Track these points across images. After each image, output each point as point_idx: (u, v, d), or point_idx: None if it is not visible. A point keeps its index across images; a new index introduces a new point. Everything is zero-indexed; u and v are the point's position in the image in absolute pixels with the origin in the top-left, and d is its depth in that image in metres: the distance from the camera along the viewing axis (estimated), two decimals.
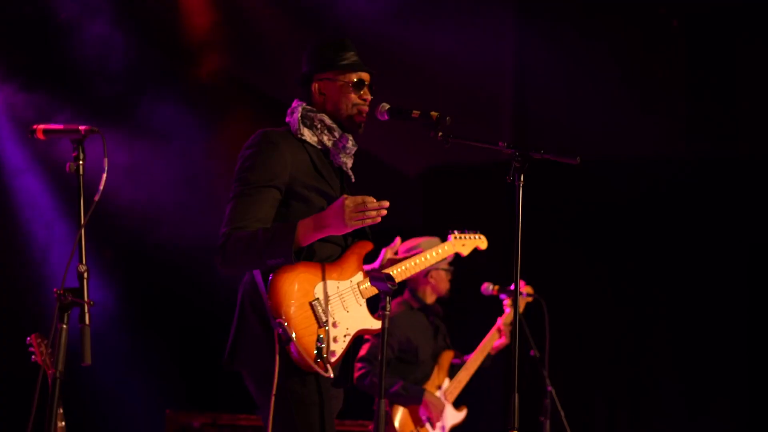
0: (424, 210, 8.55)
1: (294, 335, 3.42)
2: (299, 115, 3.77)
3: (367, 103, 3.83)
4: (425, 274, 6.11)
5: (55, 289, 2.86)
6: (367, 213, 3.47)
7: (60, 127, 3.04)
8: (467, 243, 4.52)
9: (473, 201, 8.20)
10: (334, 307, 3.63)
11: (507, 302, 6.11)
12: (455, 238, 4.50)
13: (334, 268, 3.66)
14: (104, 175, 2.93)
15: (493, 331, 6.12)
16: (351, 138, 3.81)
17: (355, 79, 3.79)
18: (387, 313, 3.44)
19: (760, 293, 7.62)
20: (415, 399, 5.85)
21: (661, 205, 7.76)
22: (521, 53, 8.14)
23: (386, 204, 3.52)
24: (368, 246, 3.79)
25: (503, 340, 6.09)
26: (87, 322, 2.86)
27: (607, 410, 7.79)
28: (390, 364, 5.88)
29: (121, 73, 7.07)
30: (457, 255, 4.59)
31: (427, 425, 5.88)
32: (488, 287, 6.04)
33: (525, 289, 6.06)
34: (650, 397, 7.63)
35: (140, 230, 7.25)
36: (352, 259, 3.73)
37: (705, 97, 7.81)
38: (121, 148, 6.84)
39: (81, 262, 2.89)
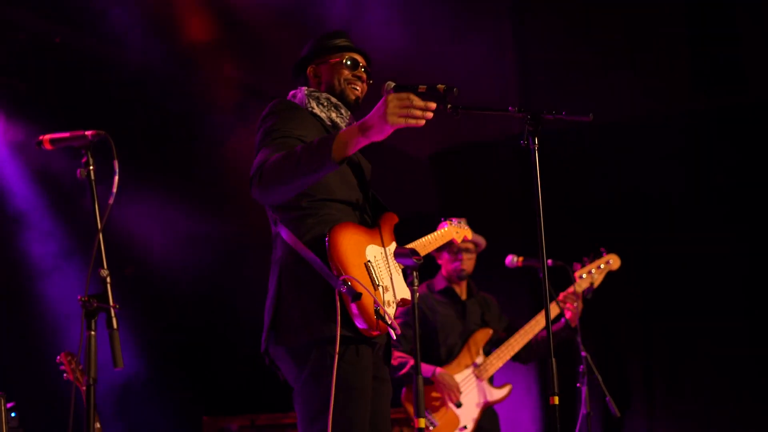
0: (439, 193, 8.52)
1: (360, 292, 3.32)
2: (305, 94, 3.85)
3: (362, 80, 3.91)
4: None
5: (79, 297, 2.83)
6: (412, 111, 3.28)
7: (66, 135, 3.02)
8: (460, 231, 4.53)
9: (486, 179, 8.17)
10: (383, 272, 3.62)
11: (577, 273, 6.00)
12: (450, 224, 4.51)
13: (375, 234, 3.68)
14: (116, 178, 2.91)
15: (560, 298, 5.97)
16: (350, 115, 3.87)
17: (347, 59, 3.89)
18: (416, 288, 3.41)
19: None
20: (426, 379, 5.81)
21: (675, 160, 7.67)
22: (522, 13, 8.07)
23: (433, 106, 3.34)
24: (394, 218, 3.82)
25: (571, 311, 5.93)
26: (115, 326, 2.83)
27: (643, 375, 7.70)
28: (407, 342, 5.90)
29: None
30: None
31: (449, 404, 5.85)
32: (513, 259, 6.00)
33: (606, 257, 6.06)
34: (685, 363, 7.51)
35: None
36: (386, 228, 3.76)
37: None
38: None
39: (102, 267, 2.87)
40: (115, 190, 2.89)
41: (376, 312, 3.38)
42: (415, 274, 3.41)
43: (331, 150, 3.28)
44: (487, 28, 7.89)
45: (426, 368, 5.83)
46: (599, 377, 5.59)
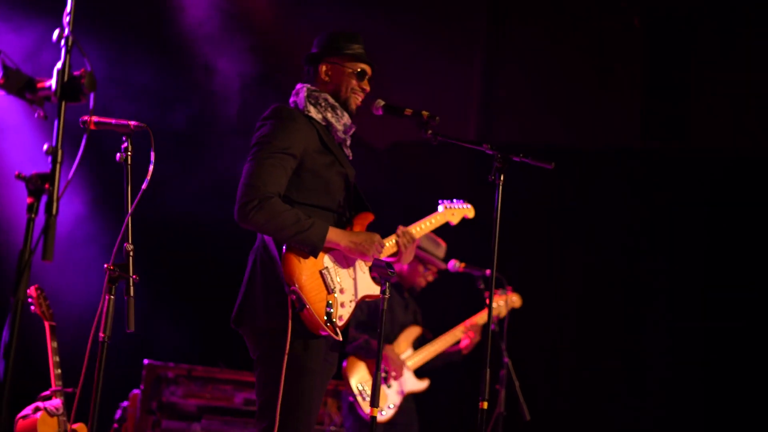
0: (390, 181, 8.95)
1: (308, 302, 3.75)
2: (305, 94, 4.17)
3: (365, 92, 4.26)
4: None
5: (105, 265, 3.26)
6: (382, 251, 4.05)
7: (112, 121, 3.42)
8: (456, 212, 4.87)
9: (436, 174, 8.61)
10: (342, 275, 4.02)
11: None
12: (446, 207, 4.85)
13: None
14: (151, 167, 3.33)
15: (467, 324, 6.55)
16: (347, 116, 4.21)
17: (359, 69, 4.23)
18: (386, 296, 3.82)
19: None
20: (374, 352, 6.13)
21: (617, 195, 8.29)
22: (489, 49, 8.56)
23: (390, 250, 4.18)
24: (370, 217, 4.20)
25: (469, 340, 6.51)
26: (132, 294, 3.28)
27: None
28: (360, 325, 6.33)
29: None
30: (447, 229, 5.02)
31: (389, 379, 6.28)
32: (455, 264, 6.43)
33: (512, 296, 6.59)
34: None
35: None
36: (357, 228, 4.13)
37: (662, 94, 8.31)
38: None
39: (128, 242, 3.30)
40: (149, 177, 3.31)
41: (327, 316, 3.84)
42: (387, 284, 3.83)
43: (320, 248, 3.85)
44: (457, 51, 8.38)
45: (373, 342, 6.21)
46: (516, 382, 6.17)
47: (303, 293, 3.77)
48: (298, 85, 4.25)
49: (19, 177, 2.45)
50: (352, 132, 4.28)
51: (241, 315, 3.97)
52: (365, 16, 8.00)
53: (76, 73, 2.48)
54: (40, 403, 5.18)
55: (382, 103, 4.31)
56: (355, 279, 4.07)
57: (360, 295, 4.08)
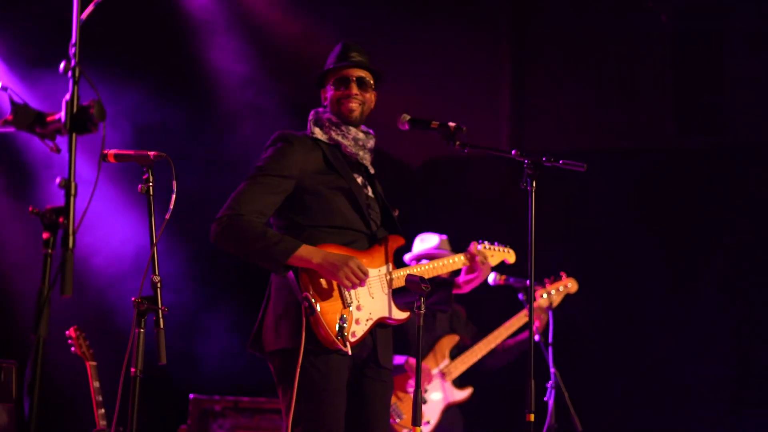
0: (424, 197, 8.90)
1: (318, 308, 3.76)
2: (311, 118, 4.24)
3: (355, 95, 4.18)
4: None
5: (133, 298, 3.22)
6: (355, 280, 3.83)
7: (131, 152, 3.39)
8: (495, 255, 4.71)
9: (472, 190, 8.54)
10: (361, 292, 3.97)
11: (537, 293, 6.36)
12: (485, 248, 4.65)
13: (365, 256, 4.02)
14: (173, 197, 3.29)
15: (514, 320, 6.40)
16: (358, 130, 4.19)
17: (338, 77, 4.20)
18: (421, 312, 3.77)
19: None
20: (398, 367, 6.12)
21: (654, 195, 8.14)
22: (516, 56, 8.50)
23: (366, 277, 3.88)
24: (400, 241, 4.18)
25: (538, 321, 6.33)
26: (162, 326, 3.23)
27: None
28: None
29: None
30: None
31: (410, 391, 6.19)
32: (495, 277, 6.31)
33: (566, 281, 6.43)
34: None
35: None
36: (382, 250, 4.10)
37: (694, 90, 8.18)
38: None
39: (155, 273, 3.26)
40: (171, 206, 3.28)
41: (339, 329, 3.80)
42: (422, 299, 3.78)
43: (282, 263, 3.78)
44: (486, 54, 8.34)
45: (398, 358, 6.13)
46: (566, 393, 6.04)
47: (317, 300, 3.78)
48: (311, 111, 4.29)
49: (33, 213, 2.41)
50: (371, 145, 4.25)
51: (254, 338, 3.99)
52: (391, 29, 8.01)
53: (84, 103, 2.44)
54: None
55: (407, 117, 4.28)
56: (374, 298, 4.02)
57: (378, 316, 4.02)
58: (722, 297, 7.89)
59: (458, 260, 4.55)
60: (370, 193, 4.23)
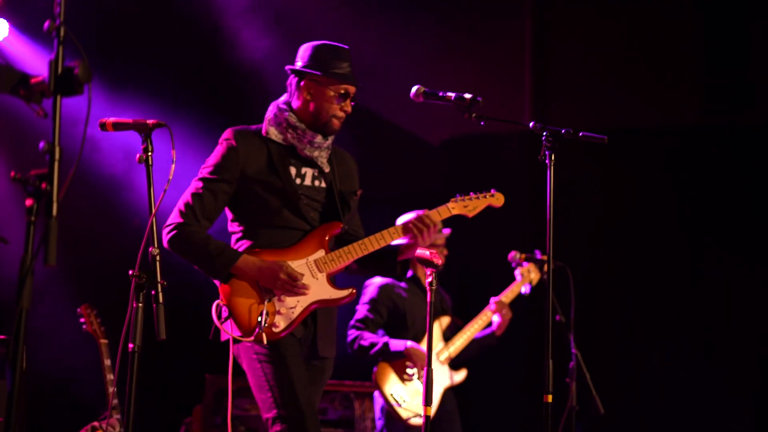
0: (446, 176, 8.75)
1: (230, 313, 3.87)
2: (270, 116, 4.09)
3: (346, 114, 4.09)
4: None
5: (130, 272, 3.11)
6: (293, 290, 3.90)
7: (129, 120, 3.28)
8: (470, 204, 4.30)
9: (494, 168, 8.39)
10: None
11: (517, 272, 6.28)
12: (454, 201, 4.29)
13: (290, 251, 3.99)
14: (173, 166, 3.17)
15: (489, 308, 6.27)
16: (319, 135, 4.07)
17: (342, 91, 4.05)
18: (434, 288, 3.71)
19: None
20: (397, 353, 6.00)
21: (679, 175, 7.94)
22: (539, 31, 8.32)
23: (307, 292, 3.94)
24: (336, 226, 4.08)
25: (501, 318, 6.23)
26: (161, 300, 3.12)
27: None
28: (381, 329, 6.15)
29: None
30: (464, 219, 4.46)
31: (414, 378, 6.06)
32: (515, 256, 6.22)
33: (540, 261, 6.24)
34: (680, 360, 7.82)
35: None
36: (314, 239, 4.04)
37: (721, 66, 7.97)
38: None
39: (153, 245, 3.14)
40: (171, 176, 3.16)
41: (258, 323, 3.86)
42: (434, 275, 3.73)
43: (223, 275, 3.90)
44: (507, 31, 8.18)
45: (397, 343, 6.01)
46: (587, 374, 5.89)
47: (230, 305, 3.90)
48: (272, 104, 4.14)
49: (15, 179, 2.29)
50: (330, 142, 4.15)
51: (215, 329, 4.03)
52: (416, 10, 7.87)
53: (69, 63, 2.32)
54: (96, 423, 5.11)
55: (422, 89, 4.14)
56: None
57: (307, 302, 3.98)
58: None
59: (392, 233, 4.19)
60: (323, 184, 4.13)
